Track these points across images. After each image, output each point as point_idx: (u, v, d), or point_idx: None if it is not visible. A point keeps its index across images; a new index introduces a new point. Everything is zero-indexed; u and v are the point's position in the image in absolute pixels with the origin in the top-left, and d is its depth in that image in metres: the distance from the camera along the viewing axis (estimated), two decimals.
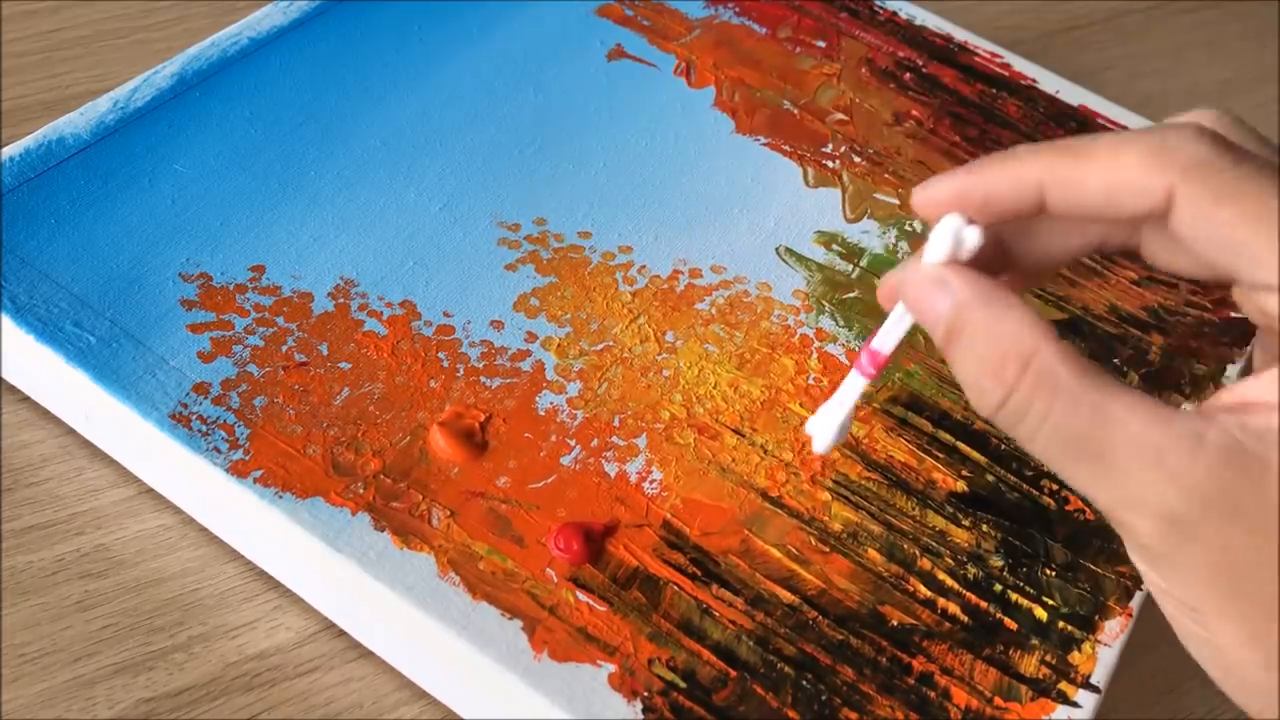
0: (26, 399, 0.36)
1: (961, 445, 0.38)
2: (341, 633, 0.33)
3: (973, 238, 0.25)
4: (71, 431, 0.36)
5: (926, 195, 0.26)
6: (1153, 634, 0.36)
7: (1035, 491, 0.37)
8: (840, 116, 0.48)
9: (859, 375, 0.28)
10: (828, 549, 0.34)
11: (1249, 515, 0.22)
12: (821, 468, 0.36)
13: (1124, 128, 0.51)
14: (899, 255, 0.43)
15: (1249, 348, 0.43)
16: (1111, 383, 0.23)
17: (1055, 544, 0.36)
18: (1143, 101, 0.57)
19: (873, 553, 0.34)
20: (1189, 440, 0.22)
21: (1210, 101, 0.60)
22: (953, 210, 0.25)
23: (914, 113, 0.49)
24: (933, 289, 0.25)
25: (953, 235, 0.25)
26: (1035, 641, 0.33)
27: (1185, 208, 0.23)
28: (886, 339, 0.27)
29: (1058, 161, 0.24)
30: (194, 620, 0.33)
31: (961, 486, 0.36)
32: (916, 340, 0.40)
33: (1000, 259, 0.27)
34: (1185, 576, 0.23)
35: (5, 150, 0.38)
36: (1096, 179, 0.24)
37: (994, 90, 0.51)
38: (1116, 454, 0.23)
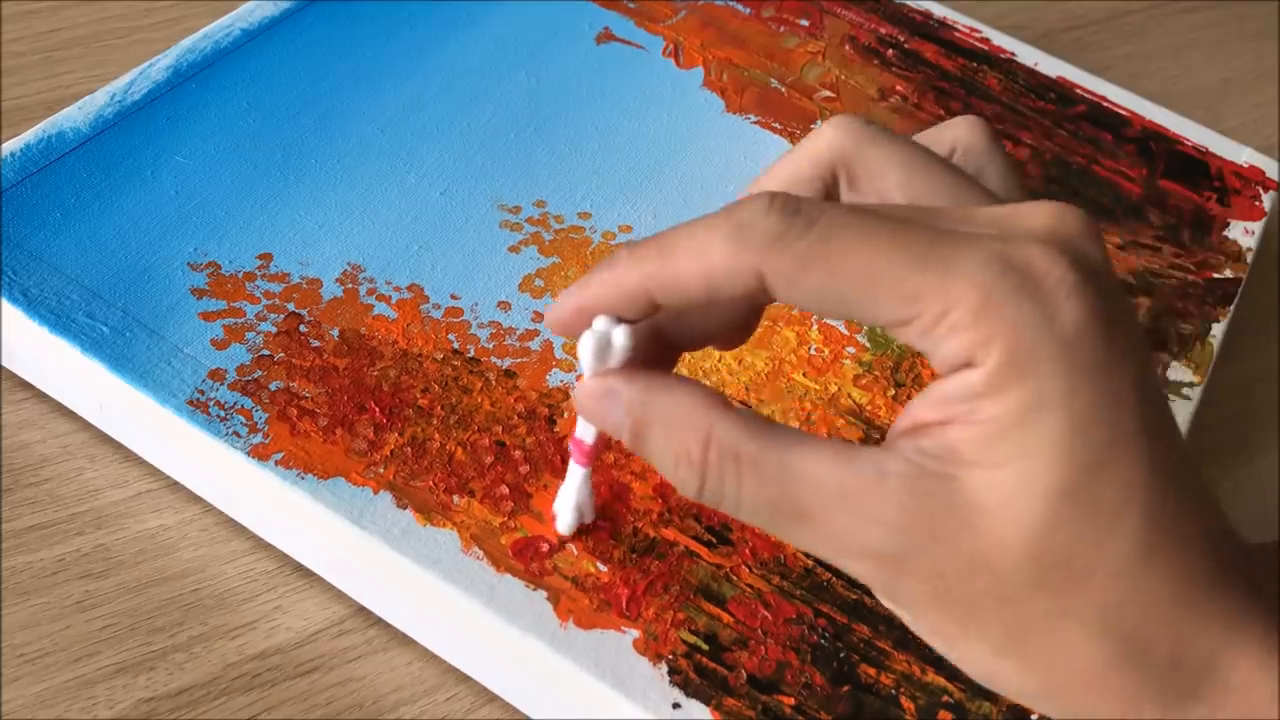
0: (27, 399, 0.36)
1: None
2: (342, 633, 0.33)
3: (620, 339, 0.25)
4: (72, 431, 0.36)
5: (553, 318, 0.26)
6: None
7: None
8: (827, 94, 0.49)
9: (575, 465, 0.31)
10: None
11: (947, 536, 0.22)
12: (828, 434, 0.37)
13: (1101, 98, 0.52)
14: None
15: (1232, 307, 0.45)
16: (792, 438, 0.23)
17: None
18: None
19: None
20: (873, 478, 0.23)
21: (1210, 101, 0.61)
22: (580, 327, 0.25)
23: (898, 88, 0.50)
24: (603, 402, 0.25)
25: (595, 345, 0.25)
26: None
27: (777, 285, 0.23)
28: (585, 431, 0.29)
29: (651, 264, 0.24)
30: (194, 620, 0.33)
31: None
32: None
33: (660, 342, 0.27)
34: (915, 606, 0.24)
35: (5, 145, 0.38)
36: (691, 277, 0.23)
37: (975, 64, 0.52)
38: (812, 508, 0.23)
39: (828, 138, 0.27)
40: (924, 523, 0.22)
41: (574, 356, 0.37)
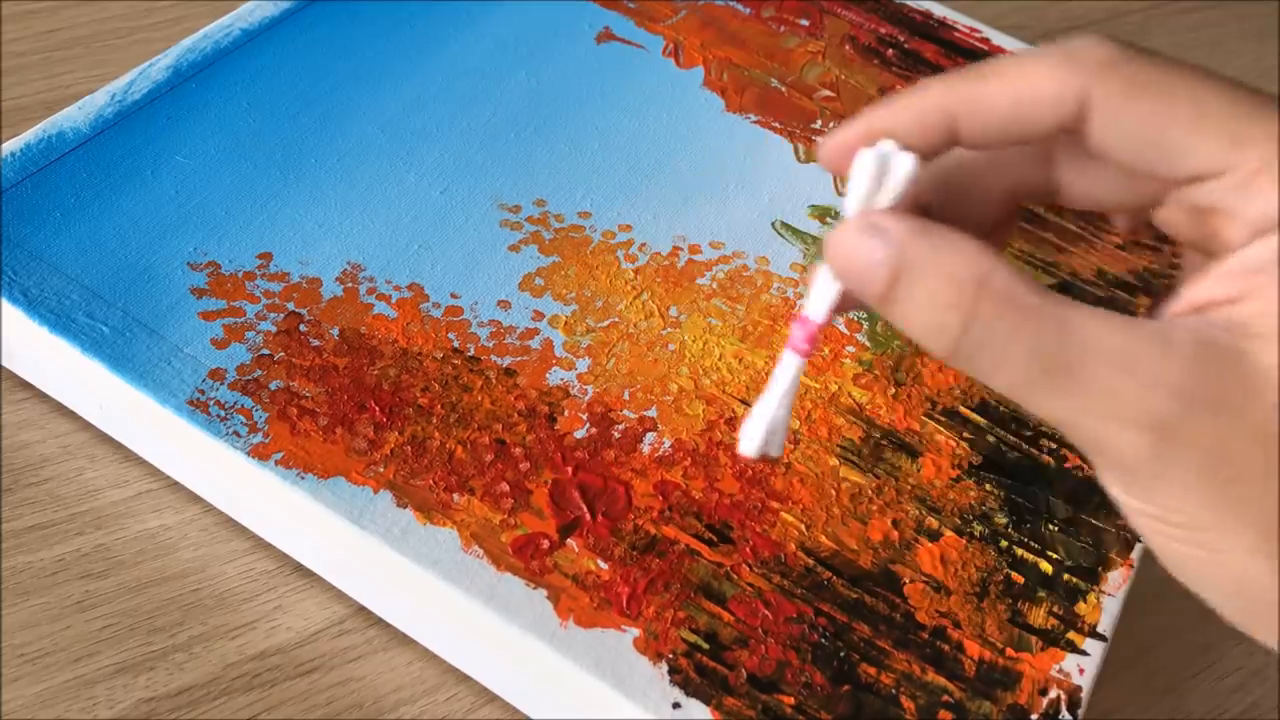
0: (27, 399, 0.36)
1: (962, 409, 0.39)
2: (342, 633, 0.33)
3: (905, 165, 0.23)
4: (72, 431, 0.36)
5: (834, 142, 0.24)
6: (1153, 634, 0.37)
7: (1035, 451, 0.38)
8: (827, 93, 0.49)
9: (791, 354, 0.25)
10: (839, 512, 0.35)
11: (1235, 408, 0.21)
12: (828, 433, 0.37)
13: None
14: None
15: None
16: (1068, 298, 0.22)
17: (1056, 500, 0.37)
18: None
19: (880, 514, 0.35)
20: (1157, 342, 0.21)
21: None
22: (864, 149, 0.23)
23: (898, 88, 0.50)
24: (865, 237, 0.23)
25: (875, 167, 0.23)
26: (1042, 594, 0.34)
27: (1100, 107, 0.22)
28: (816, 303, 0.24)
29: (963, 84, 0.23)
30: (194, 620, 0.33)
31: (964, 449, 0.37)
32: None
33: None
34: (1176, 490, 0.21)
35: (5, 145, 0.38)
36: (1004, 96, 0.22)
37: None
38: (1088, 367, 0.21)
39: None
40: (1211, 391, 0.21)
41: (577, 349, 0.37)
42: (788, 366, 0.25)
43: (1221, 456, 0.21)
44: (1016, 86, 0.22)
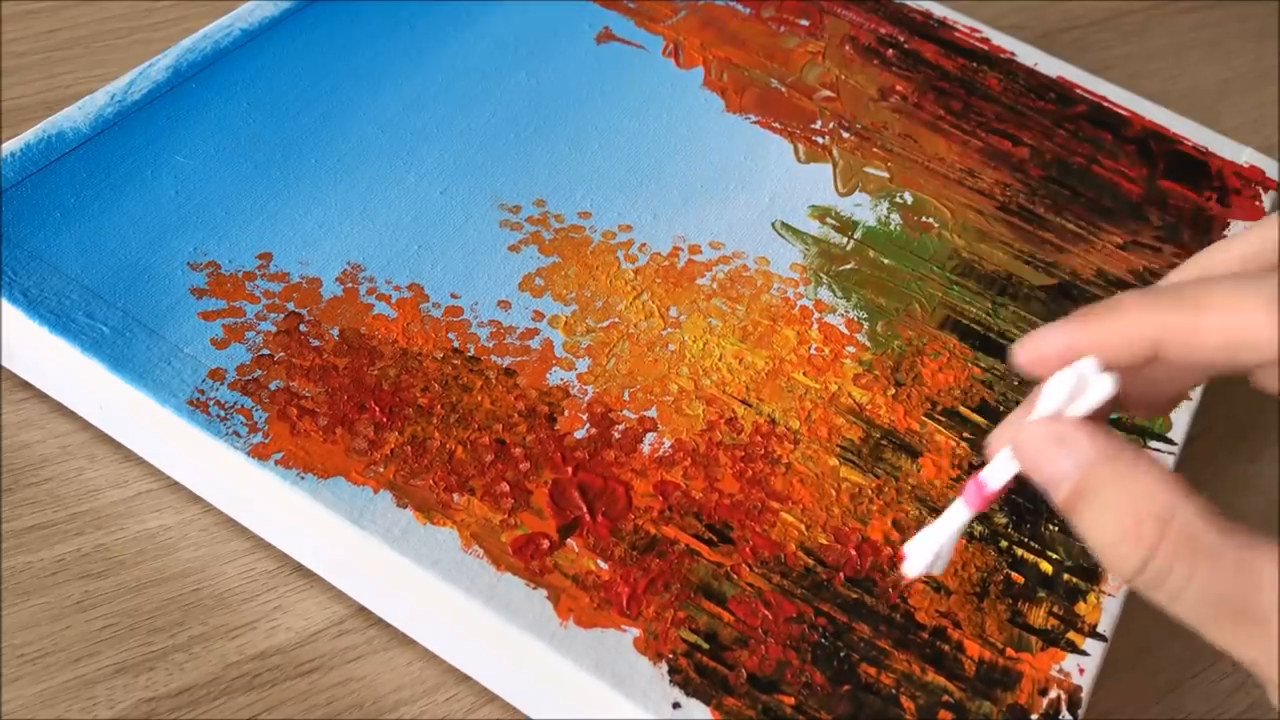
0: (27, 399, 0.36)
1: (962, 409, 0.39)
2: (342, 633, 0.33)
3: (1105, 387, 0.23)
4: (72, 431, 0.36)
5: (1034, 352, 0.24)
6: (1153, 634, 0.37)
7: None
8: (827, 93, 0.49)
9: (964, 507, 0.26)
10: (839, 512, 0.35)
11: None
12: (828, 433, 0.37)
13: (1101, 98, 0.52)
14: (891, 227, 0.44)
15: None
16: (1254, 537, 0.22)
17: None
18: None
19: (880, 514, 0.35)
20: None
21: (1210, 101, 0.61)
22: (1057, 367, 0.24)
23: (898, 88, 0.50)
24: (1054, 447, 0.23)
25: (1074, 386, 0.23)
26: (1042, 594, 0.34)
27: None
28: (995, 476, 0.25)
29: (1173, 317, 0.23)
30: (194, 620, 0.33)
31: (964, 449, 0.37)
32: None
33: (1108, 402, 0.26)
34: None
35: (5, 145, 0.38)
36: (1216, 335, 0.22)
37: (974, 64, 0.52)
38: (1267, 612, 0.21)
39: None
40: None
41: (578, 349, 0.37)
42: (958, 514, 0.27)
43: None
44: (1229, 327, 0.22)
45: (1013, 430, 0.24)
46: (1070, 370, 0.23)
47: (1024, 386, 0.40)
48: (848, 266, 0.42)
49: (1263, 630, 0.21)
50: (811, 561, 0.34)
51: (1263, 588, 0.21)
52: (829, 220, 0.44)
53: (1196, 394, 0.41)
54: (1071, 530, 0.23)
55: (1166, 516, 0.22)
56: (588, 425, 0.35)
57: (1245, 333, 0.22)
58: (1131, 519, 0.22)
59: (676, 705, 0.30)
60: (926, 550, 0.27)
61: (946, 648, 0.33)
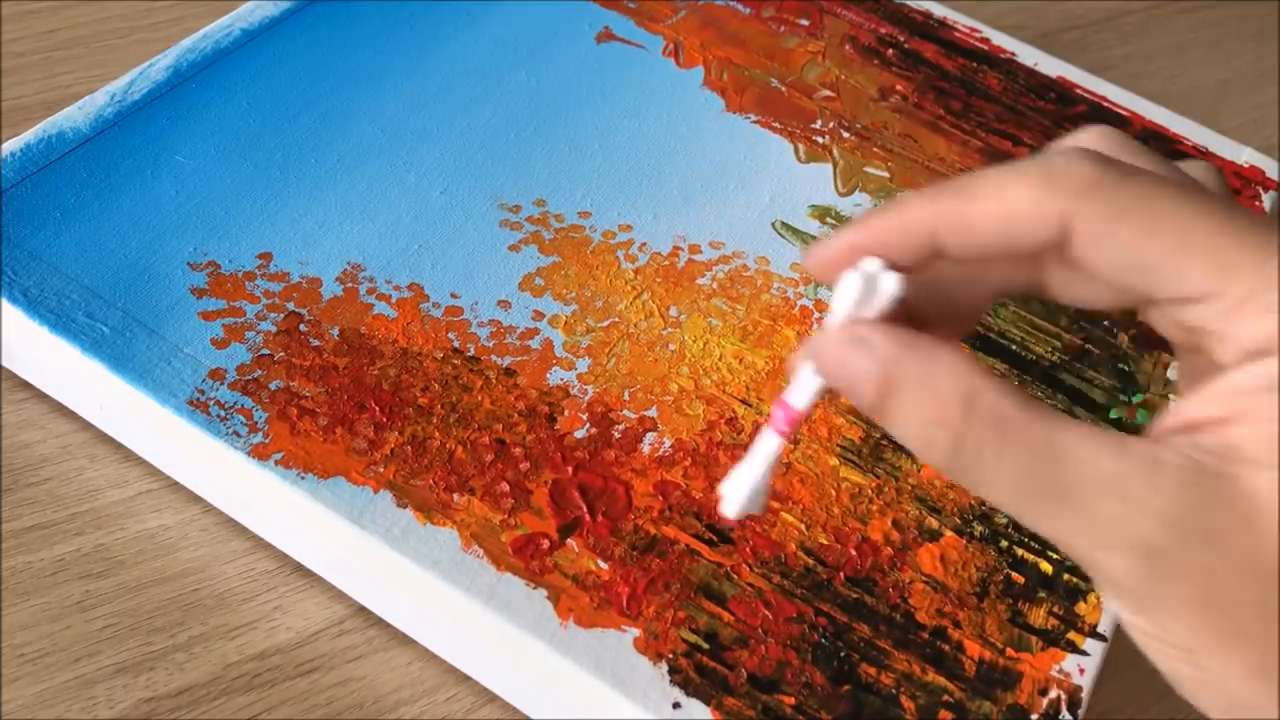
0: (27, 399, 0.36)
1: None
2: (342, 633, 0.33)
3: (891, 285, 0.23)
4: (72, 431, 0.36)
5: (819, 256, 0.24)
6: None
7: None
8: (827, 93, 0.49)
9: (772, 434, 0.25)
10: (839, 512, 0.35)
11: (1225, 536, 0.21)
12: (828, 433, 0.37)
13: (1101, 98, 0.52)
14: None
15: None
16: (1059, 416, 0.22)
17: None
18: None
19: (880, 514, 0.35)
20: (1147, 466, 0.21)
21: (1210, 101, 0.61)
22: (843, 267, 0.23)
23: (898, 88, 0.50)
24: (852, 350, 0.23)
25: (861, 286, 0.23)
26: (1043, 594, 0.34)
27: (1083, 232, 0.22)
28: (799, 394, 0.24)
29: (946, 204, 0.23)
30: (194, 620, 0.33)
31: None
32: None
33: (908, 322, 0.26)
34: (1170, 614, 0.22)
35: (5, 145, 0.38)
36: (988, 216, 0.22)
37: (974, 64, 0.52)
38: (1077, 489, 0.21)
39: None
40: (1200, 517, 0.21)
41: (578, 349, 0.37)
42: (768, 443, 0.25)
43: (1212, 586, 0.21)
44: (999, 208, 0.22)
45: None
46: (855, 272, 0.23)
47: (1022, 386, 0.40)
48: None
49: (1071, 508, 0.21)
50: (812, 561, 0.34)
51: (1069, 464, 0.21)
52: (829, 220, 0.44)
53: None
54: (883, 429, 0.23)
55: (972, 397, 0.22)
56: (588, 425, 0.35)
57: (1015, 213, 0.22)
58: (937, 404, 0.22)
59: (676, 705, 0.30)
60: (743, 488, 0.26)
61: (947, 647, 0.33)
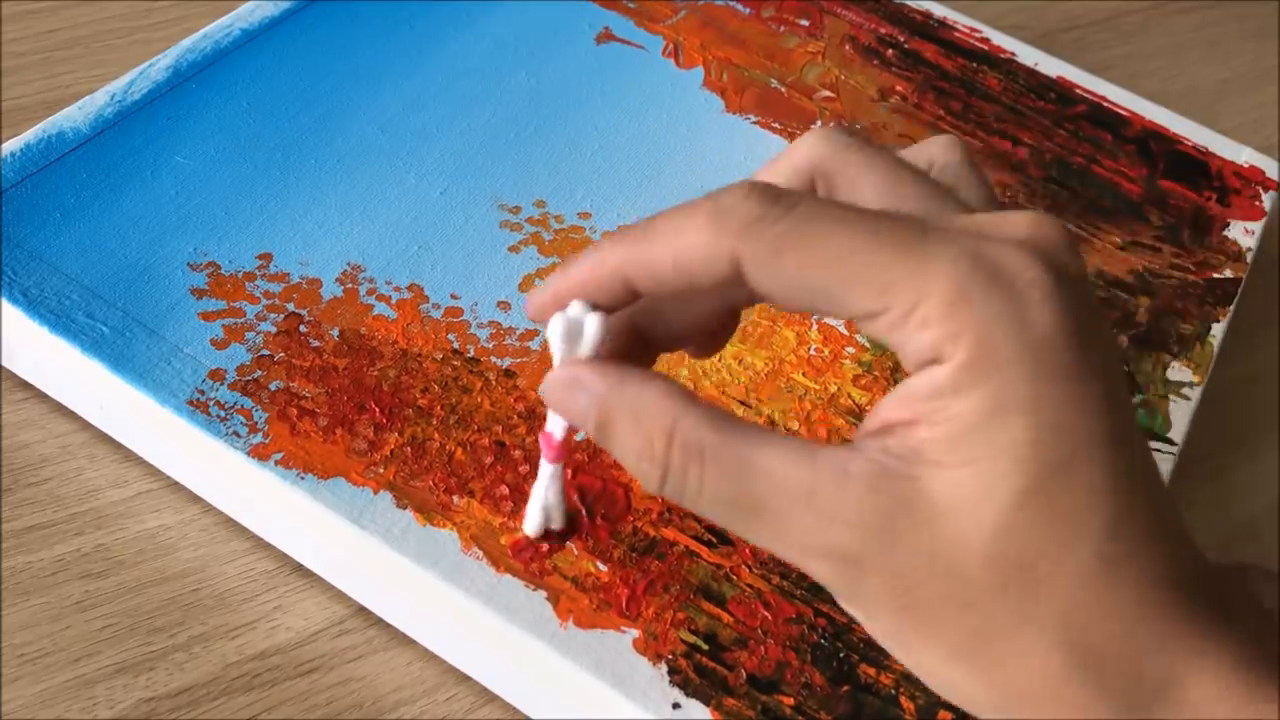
0: (27, 399, 0.37)
1: None
2: (342, 633, 0.33)
3: (592, 326, 0.25)
4: (72, 431, 0.36)
5: (533, 302, 0.26)
6: None
7: None
8: (827, 94, 0.49)
9: (544, 461, 0.29)
10: None
11: (908, 536, 0.22)
12: (827, 434, 0.37)
13: (1101, 98, 0.52)
14: None
15: (1231, 307, 0.45)
16: (756, 434, 0.23)
17: None
18: None
19: None
20: (834, 476, 0.22)
21: (1210, 101, 0.61)
22: (557, 309, 0.25)
23: (898, 88, 0.50)
24: (569, 391, 0.25)
25: (565, 329, 0.25)
26: None
27: (751, 267, 0.23)
28: (554, 425, 0.28)
29: (630, 248, 0.24)
30: (194, 620, 0.33)
31: None
32: None
33: (637, 341, 0.27)
34: (874, 610, 0.23)
35: (5, 145, 0.38)
36: (666, 258, 0.23)
37: (974, 64, 0.52)
38: (774, 503, 0.23)
39: (807, 145, 0.27)
40: (885, 522, 0.22)
41: None
42: (543, 469, 0.30)
43: (900, 584, 0.22)
44: (675, 249, 0.23)
45: None
46: (559, 315, 0.25)
47: None
48: None
49: (769, 522, 0.23)
50: None
51: (763, 481, 0.23)
52: None
53: (1196, 394, 0.41)
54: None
55: (672, 429, 0.23)
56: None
57: (689, 255, 0.23)
58: (643, 438, 0.24)
59: (676, 706, 0.30)
60: (534, 510, 0.31)
61: None
